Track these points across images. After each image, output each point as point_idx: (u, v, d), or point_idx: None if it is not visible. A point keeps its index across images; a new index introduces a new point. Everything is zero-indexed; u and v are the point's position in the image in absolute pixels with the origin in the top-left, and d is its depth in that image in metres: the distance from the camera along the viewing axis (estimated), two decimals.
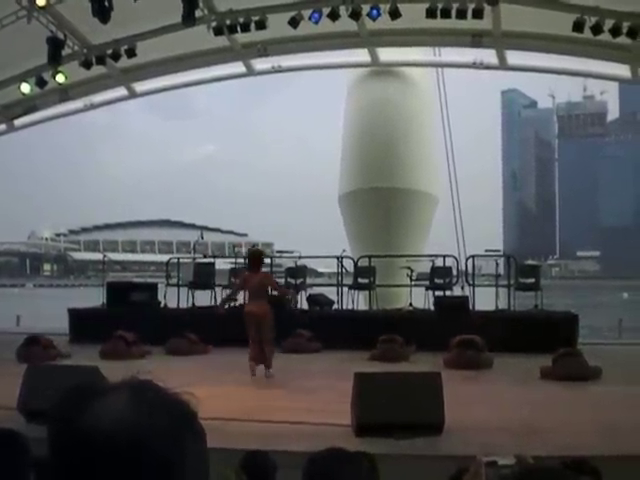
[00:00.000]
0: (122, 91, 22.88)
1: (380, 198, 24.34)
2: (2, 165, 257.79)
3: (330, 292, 20.38)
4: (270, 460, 4.97)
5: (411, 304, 19.43)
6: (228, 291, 19.81)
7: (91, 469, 1.20)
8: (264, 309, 13.85)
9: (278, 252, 24.08)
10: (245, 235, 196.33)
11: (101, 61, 19.32)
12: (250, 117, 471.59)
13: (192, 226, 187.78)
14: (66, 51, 18.39)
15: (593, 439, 8.14)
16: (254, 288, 13.97)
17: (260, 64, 21.77)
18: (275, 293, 15.31)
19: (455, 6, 16.95)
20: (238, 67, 21.87)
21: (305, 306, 19.32)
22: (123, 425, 1.21)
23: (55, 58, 17.94)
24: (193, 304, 19.76)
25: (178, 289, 20.27)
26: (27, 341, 15.66)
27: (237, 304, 19.66)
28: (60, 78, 19.36)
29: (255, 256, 14.73)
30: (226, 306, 16.96)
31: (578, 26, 16.50)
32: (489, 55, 20.43)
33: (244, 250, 24.67)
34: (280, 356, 15.77)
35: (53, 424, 1.27)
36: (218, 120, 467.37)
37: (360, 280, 20.01)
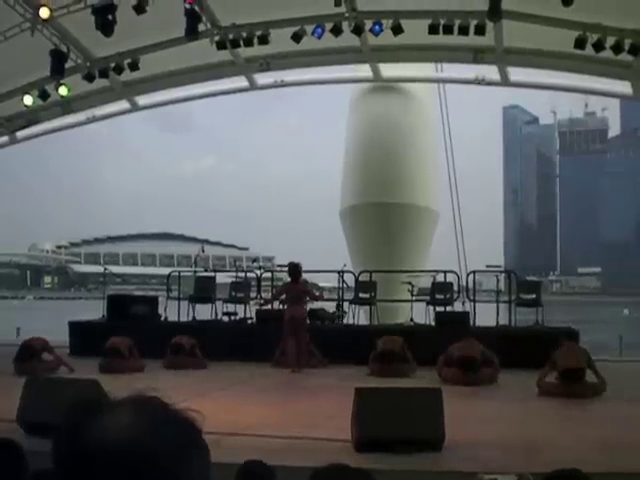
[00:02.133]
0: (124, 104, 22.90)
1: (381, 213, 24.36)
2: (3, 177, 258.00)
3: (331, 307, 20.36)
4: (267, 468, 4.93)
5: (412, 319, 19.40)
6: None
7: None
8: (301, 313, 16.45)
9: (279, 266, 24.05)
10: (246, 249, 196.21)
11: (104, 74, 19.36)
12: (251, 130, 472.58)
13: (193, 239, 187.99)
14: (69, 64, 18.42)
15: (593, 456, 8.11)
16: (293, 296, 16.36)
17: (262, 78, 21.82)
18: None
19: (457, 22, 16.99)
20: (241, 81, 21.90)
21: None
22: (128, 441, 1.21)
23: (58, 71, 17.97)
24: (194, 317, 19.73)
25: (179, 302, 20.25)
26: (21, 355, 15.44)
27: (238, 317, 19.77)
28: (63, 91, 19.40)
29: (294, 269, 16.75)
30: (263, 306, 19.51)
31: (580, 43, 16.53)
32: (491, 71, 20.47)
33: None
34: (280, 371, 15.80)
35: (58, 438, 1.27)
36: (219, 133, 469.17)
37: (361, 295, 19.99)
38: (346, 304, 19.94)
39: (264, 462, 4.99)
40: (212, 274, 22.17)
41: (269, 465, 4.97)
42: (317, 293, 18.37)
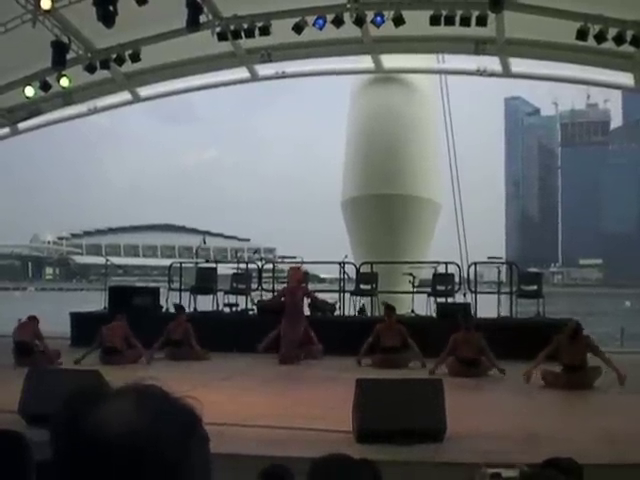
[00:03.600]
0: (126, 95, 22.86)
1: (383, 204, 24.34)
2: (5, 168, 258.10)
3: (332, 298, 20.36)
4: (288, 471, 4.92)
5: (413, 311, 19.41)
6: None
7: (95, 473, 1.20)
8: (296, 332, 16.40)
9: (280, 257, 24.05)
10: (248, 240, 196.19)
11: (105, 65, 19.34)
12: (253, 122, 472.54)
13: (195, 231, 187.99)
14: (70, 55, 18.39)
15: (595, 447, 8.12)
16: (288, 298, 16.75)
17: (264, 70, 21.78)
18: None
19: (459, 13, 16.95)
20: (242, 72, 21.86)
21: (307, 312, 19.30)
22: (128, 429, 1.21)
23: (59, 62, 17.95)
24: (195, 309, 19.75)
25: (180, 294, 20.27)
26: (19, 349, 15.45)
27: (239, 309, 19.80)
28: (64, 82, 19.38)
29: (289, 273, 17.66)
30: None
31: (582, 34, 16.50)
32: (493, 62, 20.43)
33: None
34: (276, 361, 15.84)
35: (57, 427, 1.27)
36: (221, 124, 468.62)
37: (362, 286, 20.00)
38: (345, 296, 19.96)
39: (285, 466, 4.99)
40: (213, 265, 22.16)
41: (288, 468, 4.97)
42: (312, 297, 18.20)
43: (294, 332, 16.26)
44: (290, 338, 16.22)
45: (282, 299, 17.08)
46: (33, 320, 16.11)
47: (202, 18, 17.34)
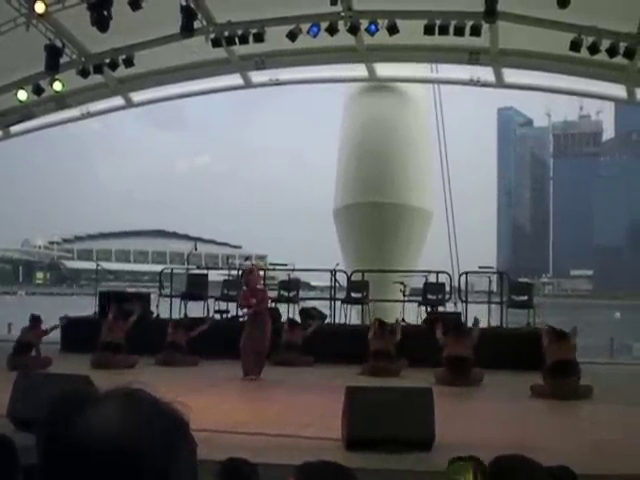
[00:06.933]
0: (119, 100, 22.83)
1: (375, 213, 24.32)
2: None
3: (323, 306, 20.34)
4: (250, 465, 4.91)
5: (404, 319, 19.39)
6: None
7: (82, 478, 1.19)
8: (261, 343, 15.08)
9: (271, 264, 24.04)
10: (239, 247, 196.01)
11: (99, 70, 19.31)
12: (245, 129, 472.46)
13: (186, 237, 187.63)
14: (64, 59, 18.36)
15: (583, 457, 8.11)
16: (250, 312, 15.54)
17: (257, 76, 21.76)
18: None
19: (453, 23, 16.99)
20: (236, 79, 21.85)
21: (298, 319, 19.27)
22: (117, 433, 1.20)
23: (53, 66, 17.91)
24: (185, 315, 19.71)
25: (171, 300, 20.22)
26: (17, 349, 15.56)
27: (230, 315, 19.75)
28: (57, 86, 19.34)
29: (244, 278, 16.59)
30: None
31: (575, 45, 16.56)
32: (486, 72, 20.45)
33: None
34: (271, 369, 15.73)
35: (45, 432, 1.26)
36: (213, 131, 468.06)
37: (353, 294, 19.98)
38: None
39: (247, 460, 4.97)
40: (205, 272, 22.13)
41: (252, 462, 4.95)
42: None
43: (256, 345, 14.93)
44: (253, 349, 14.97)
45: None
46: (38, 323, 16.23)
47: (196, 24, 17.34)
